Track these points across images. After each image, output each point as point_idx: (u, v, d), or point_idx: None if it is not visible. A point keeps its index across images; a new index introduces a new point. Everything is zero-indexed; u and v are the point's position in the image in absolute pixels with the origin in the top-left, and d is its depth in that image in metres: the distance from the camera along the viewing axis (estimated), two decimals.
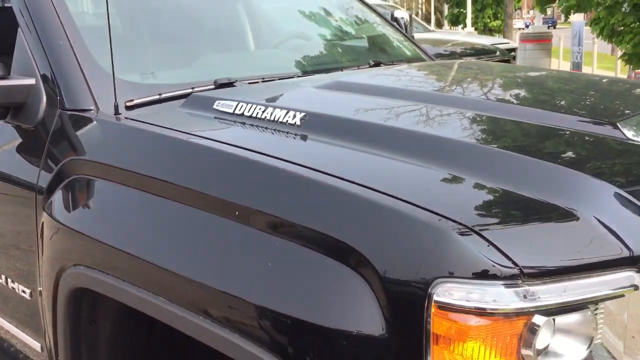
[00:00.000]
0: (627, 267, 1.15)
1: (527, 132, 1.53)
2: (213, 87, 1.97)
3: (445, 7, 30.39)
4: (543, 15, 17.48)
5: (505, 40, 9.30)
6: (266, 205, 1.31)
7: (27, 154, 1.97)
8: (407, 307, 1.12)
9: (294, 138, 1.54)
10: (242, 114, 1.67)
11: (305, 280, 1.24)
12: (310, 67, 2.38)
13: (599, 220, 1.19)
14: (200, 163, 1.52)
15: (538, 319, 1.10)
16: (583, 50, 12.72)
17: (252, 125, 1.63)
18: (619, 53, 10.33)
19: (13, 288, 2.04)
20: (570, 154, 1.42)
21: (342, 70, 2.38)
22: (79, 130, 1.82)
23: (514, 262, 1.09)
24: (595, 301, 1.14)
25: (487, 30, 23.27)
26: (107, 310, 1.78)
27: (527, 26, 38.81)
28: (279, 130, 1.57)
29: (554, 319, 1.13)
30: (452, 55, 5.74)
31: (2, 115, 1.96)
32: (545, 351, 1.15)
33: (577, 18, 13.26)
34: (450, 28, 30.06)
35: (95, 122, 1.80)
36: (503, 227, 1.16)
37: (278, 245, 1.28)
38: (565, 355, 1.16)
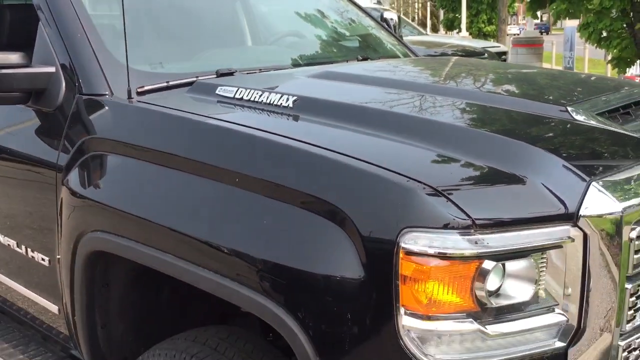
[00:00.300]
0: (564, 222, 1.37)
1: (488, 113, 1.76)
2: (215, 76, 2.19)
3: (441, 12, 30.69)
4: (535, 21, 17.80)
5: (496, 44, 9.54)
6: (261, 173, 1.54)
7: (47, 136, 2.18)
8: (380, 253, 1.34)
9: (287, 118, 1.76)
10: (242, 98, 1.89)
11: (295, 234, 1.46)
12: (303, 61, 2.61)
13: (543, 185, 1.41)
14: (205, 138, 1.73)
15: (488, 264, 1.32)
16: (574, 55, 13.01)
17: (250, 107, 1.85)
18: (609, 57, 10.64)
19: (33, 257, 2.25)
20: (523, 131, 1.64)
21: (332, 63, 2.61)
22: (95, 113, 2.03)
23: (468, 215, 1.31)
24: (537, 249, 1.36)
25: (481, 35, 23.53)
26: (118, 273, 1.99)
27: (521, 32, 39.07)
28: (273, 112, 1.79)
29: (503, 265, 1.35)
30: (442, 56, 5.96)
31: (24, 100, 2.16)
32: (497, 293, 1.38)
33: (572, 24, 13.55)
34: (446, 32, 30.35)
35: (110, 105, 2.01)
36: (461, 188, 1.39)
37: (271, 206, 1.49)
38: (514, 297, 1.38)
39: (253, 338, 1.77)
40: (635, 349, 1.51)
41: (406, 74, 2.46)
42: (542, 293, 1.40)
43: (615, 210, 1.37)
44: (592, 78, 2.55)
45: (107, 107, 2.02)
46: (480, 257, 1.31)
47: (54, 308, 2.23)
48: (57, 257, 2.11)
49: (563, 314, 1.41)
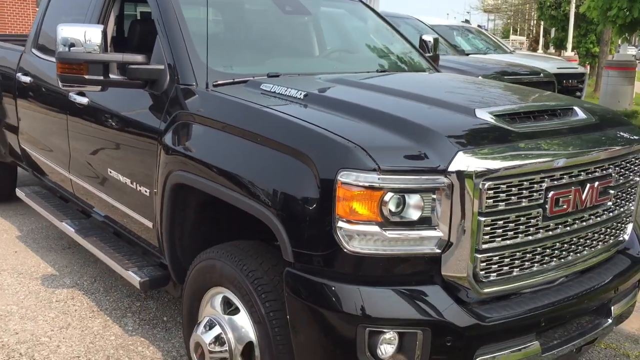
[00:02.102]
0: (439, 174, 2.26)
1: (419, 109, 2.68)
2: (266, 77, 3.23)
3: (552, 30, 30.46)
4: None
5: (575, 66, 9.96)
6: (270, 134, 2.55)
7: (155, 110, 3.29)
8: (327, 183, 2.29)
9: (296, 104, 2.76)
10: (274, 92, 2.92)
11: (284, 171, 2.45)
12: (334, 70, 3.62)
13: (430, 150, 2.29)
14: (247, 114, 2.77)
15: (388, 194, 2.24)
16: None
17: (277, 97, 2.87)
18: None
19: (139, 190, 3.39)
20: (432, 120, 2.52)
21: (354, 73, 3.58)
22: (185, 96, 3.12)
23: (377, 163, 2.23)
24: (422, 189, 2.25)
25: (589, 56, 23.36)
26: (191, 201, 3.06)
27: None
28: (290, 100, 2.80)
29: (402, 196, 2.26)
30: (500, 74, 6.74)
31: (143, 86, 3.30)
32: (400, 214, 2.28)
33: None
34: (556, 51, 30.05)
35: (195, 92, 3.10)
36: (376, 147, 2.29)
37: (272, 154, 2.50)
38: (409, 217, 2.28)
39: (265, 245, 2.78)
40: (490, 261, 2.37)
41: (391, 82, 3.39)
42: (427, 217, 2.30)
43: (471, 169, 2.25)
44: (524, 92, 3.36)
45: (193, 93, 3.10)
46: (382, 189, 2.23)
47: (149, 224, 3.35)
48: (154, 190, 3.22)
49: (440, 232, 2.30)
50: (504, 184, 2.33)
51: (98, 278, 4.49)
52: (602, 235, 2.81)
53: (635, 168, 2.91)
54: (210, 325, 2.78)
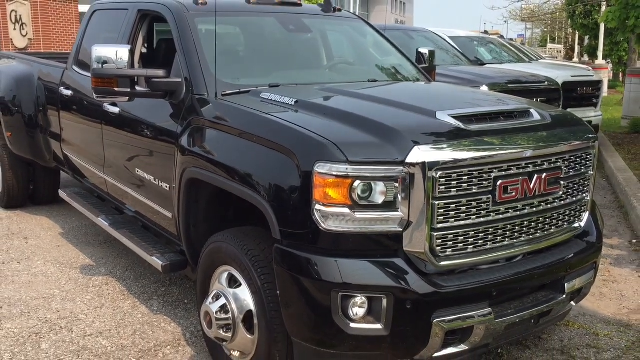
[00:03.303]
0: (399, 165, 2.72)
1: (388, 112, 3.14)
2: (268, 87, 3.75)
3: (586, 39, 30.44)
4: None
5: (590, 74, 10.20)
6: (263, 134, 3.05)
7: (173, 117, 3.83)
8: (306, 172, 2.77)
9: (287, 109, 3.26)
10: (271, 99, 3.43)
11: (272, 163, 2.94)
12: (330, 80, 4.12)
13: (391, 146, 2.76)
14: (247, 118, 3.28)
15: (356, 183, 2.71)
16: None
17: (272, 103, 3.38)
18: None
19: (161, 185, 3.93)
20: (397, 121, 2.97)
21: (347, 83, 4.07)
22: (199, 104, 3.66)
23: (345, 156, 2.71)
24: (385, 178, 2.72)
25: (621, 64, 23.36)
26: (203, 194, 3.58)
27: None
28: (282, 106, 3.31)
29: (369, 183, 2.73)
30: (505, 83, 7.14)
31: (164, 96, 3.85)
32: (368, 198, 2.75)
33: None
34: (590, 60, 29.95)
35: (207, 101, 3.63)
36: (347, 143, 2.76)
37: (263, 150, 3.00)
38: (375, 201, 2.74)
39: (262, 231, 3.26)
40: (445, 238, 2.82)
41: (373, 90, 3.87)
42: (390, 201, 2.76)
43: (425, 161, 2.71)
44: (485, 95, 3.82)
45: (204, 102, 3.64)
46: (351, 177, 2.71)
47: (169, 215, 3.89)
48: (173, 185, 3.76)
49: (401, 214, 2.76)
50: (454, 173, 2.78)
51: (129, 268, 5.05)
52: (554, 221, 3.22)
53: (587, 163, 3.32)
54: (217, 297, 3.29)
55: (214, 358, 3.52)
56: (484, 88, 6.73)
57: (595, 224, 3.56)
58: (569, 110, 9.36)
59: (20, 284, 4.73)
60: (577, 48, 39.77)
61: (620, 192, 7.50)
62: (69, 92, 5.37)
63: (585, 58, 30.83)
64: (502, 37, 17.13)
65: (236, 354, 3.33)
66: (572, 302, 3.43)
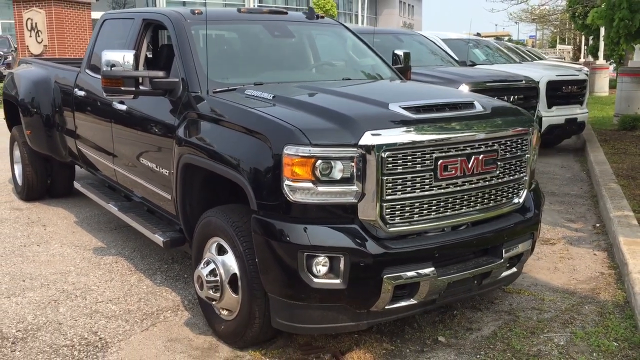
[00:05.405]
0: (353, 147, 3.28)
1: (345, 103, 3.72)
2: (253, 85, 4.34)
3: (590, 39, 30.85)
4: None
5: (575, 73, 10.71)
6: (243, 122, 3.65)
7: (172, 111, 4.43)
8: (277, 154, 3.35)
9: (265, 103, 3.85)
10: (253, 95, 4.02)
11: (250, 147, 3.53)
12: (310, 79, 4.71)
13: (347, 131, 3.34)
14: (232, 111, 3.87)
15: (318, 162, 3.29)
16: None
17: (254, 99, 3.97)
18: None
19: (161, 171, 4.53)
20: (353, 110, 3.54)
21: (324, 81, 4.65)
22: (193, 100, 4.26)
23: (309, 140, 3.28)
24: (342, 157, 3.29)
25: (622, 64, 23.74)
26: (196, 178, 4.17)
27: None
28: (261, 100, 3.89)
29: (330, 162, 3.30)
30: (483, 82, 7.68)
31: (164, 94, 4.46)
32: (329, 175, 3.32)
33: None
34: (593, 59, 30.31)
35: (200, 97, 4.23)
36: (310, 128, 3.34)
37: (243, 137, 3.59)
38: (334, 177, 3.31)
39: (245, 207, 3.84)
40: (394, 208, 3.38)
41: (341, 87, 4.42)
42: (347, 177, 3.32)
43: (374, 144, 3.28)
44: (441, 92, 4.41)
45: (198, 98, 4.24)
46: (313, 157, 3.28)
47: (169, 197, 4.49)
48: (172, 171, 4.36)
49: (356, 187, 3.33)
50: (400, 154, 3.35)
51: (137, 249, 5.67)
52: (493, 196, 3.78)
53: (522, 147, 3.88)
54: (207, 263, 3.88)
55: (206, 316, 4.11)
56: (464, 86, 7.27)
57: (535, 201, 4.11)
58: (554, 107, 9.96)
59: (40, 262, 5.35)
60: (583, 49, 40.10)
61: (595, 183, 8.02)
62: (82, 93, 5.99)
63: (590, 58, 31.20)
64: (499, 38, 17.64)
65: (225, 312, 3.91)
66: (514, 268, 4.00)
